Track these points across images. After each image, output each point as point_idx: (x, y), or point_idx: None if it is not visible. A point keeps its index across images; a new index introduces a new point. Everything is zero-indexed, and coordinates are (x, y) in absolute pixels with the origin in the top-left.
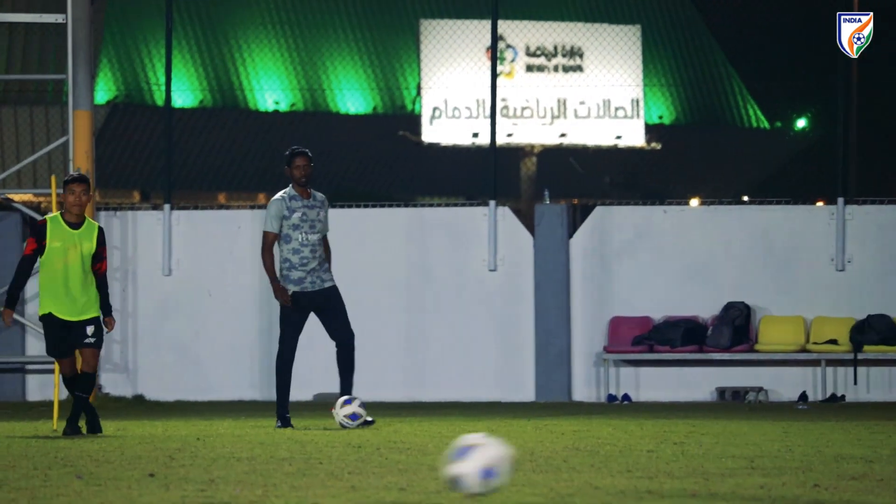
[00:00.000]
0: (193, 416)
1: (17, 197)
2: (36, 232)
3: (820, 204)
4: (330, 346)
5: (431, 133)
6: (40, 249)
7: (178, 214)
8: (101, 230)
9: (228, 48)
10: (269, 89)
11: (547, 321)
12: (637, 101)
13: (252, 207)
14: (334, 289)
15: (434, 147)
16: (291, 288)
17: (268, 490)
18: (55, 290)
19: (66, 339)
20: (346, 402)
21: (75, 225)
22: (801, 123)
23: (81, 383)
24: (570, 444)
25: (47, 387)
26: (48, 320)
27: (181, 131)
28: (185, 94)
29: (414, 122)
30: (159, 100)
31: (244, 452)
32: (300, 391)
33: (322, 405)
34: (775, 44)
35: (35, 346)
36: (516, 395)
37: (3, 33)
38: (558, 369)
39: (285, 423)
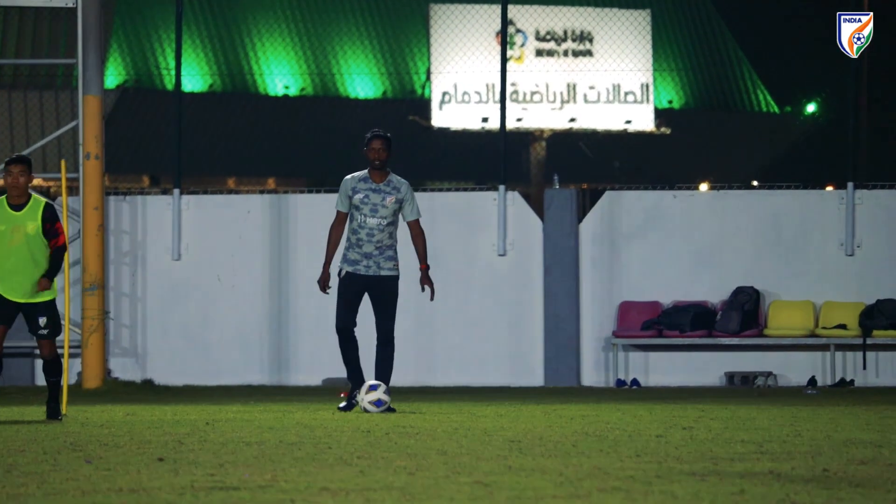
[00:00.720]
0: (202, 401)
1: None
2: None
3: (830, 188)
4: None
5: (441, 118)
6: None
7: (187, 199)
8: (47, 206)
9: (238, 32)
10: (279, 74)
11: (556, 306)
12: (647, 86)
13: (261, 192)
14: (390, 280)
15: (444, 132)
16: (345, 268)
17: (277, 474)
18: (3, 273)
19: (10, 314)
20: (372, 388)
21: (18, 206)
22: (810, 108)
23: (49, 369)
24: (579, 428)
25: None
26: None
27: (191, 116)
28: (195, 78)
29: (424, 106)
30: (169, 84)
31: (253, 437)
32: (309, 376)
33: (331, 390)
34: (785, 28)
35: None
36: (525, 380)
37: (14, 17)
38: (567, 354)
39: (348, 403)
